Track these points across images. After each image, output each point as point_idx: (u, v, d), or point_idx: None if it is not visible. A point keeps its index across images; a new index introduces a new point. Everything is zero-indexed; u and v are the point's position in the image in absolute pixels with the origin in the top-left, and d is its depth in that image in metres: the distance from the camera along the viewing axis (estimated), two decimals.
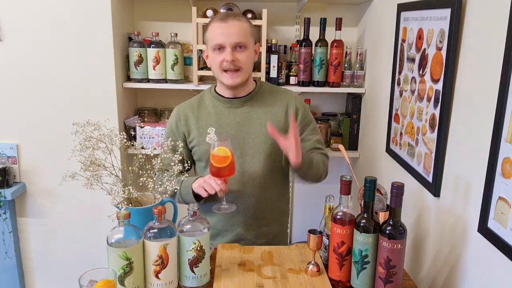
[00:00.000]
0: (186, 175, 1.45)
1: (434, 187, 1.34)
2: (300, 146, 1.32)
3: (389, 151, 1.79)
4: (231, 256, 1.37)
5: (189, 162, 1.45)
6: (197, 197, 1.44)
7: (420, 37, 1.47)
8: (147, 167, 1.27)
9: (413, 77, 1.52)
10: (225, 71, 1.43)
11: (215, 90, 1.56)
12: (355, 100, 2.32)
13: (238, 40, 1.40)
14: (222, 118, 1.51)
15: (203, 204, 1.49)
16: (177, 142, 1.37)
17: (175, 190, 1.38)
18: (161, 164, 1.32)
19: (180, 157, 1.37)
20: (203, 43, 1.71)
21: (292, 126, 1.29)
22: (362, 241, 1.14)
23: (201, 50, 2.30)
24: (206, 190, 1.37)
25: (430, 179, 1.37)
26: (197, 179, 1.44)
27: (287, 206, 1.68)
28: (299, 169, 1.39)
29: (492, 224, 1.04)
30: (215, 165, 1.32)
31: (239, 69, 1.43)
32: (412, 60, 1.53)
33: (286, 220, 1.68)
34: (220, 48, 1.41)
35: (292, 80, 2.29)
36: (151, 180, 1.27)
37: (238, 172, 1.47)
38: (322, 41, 2.21)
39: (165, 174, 1.36)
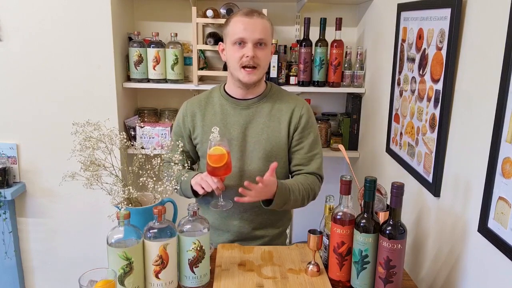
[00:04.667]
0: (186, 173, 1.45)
1: (434, 187, 1.34)
2: (262, 192, 1.31)
3: (389, 151, 1.78)
4: (231, 256, 1.37)
5: (189, 162, 1.45)
6: (195, 192, 1.45)
7: (420, 37, 1.47)
8: (147, 167, 1.27)
9: (413, 77, 1.51)
10: (243, 67, 1.41)
11: (224, 89, 1.55)
12: (355, 100, 2.32)
13: (260, 37, 1.39)
14: (227, 118, 1.51)
15: (202, 198, 1.52)
16: (177, 142, 1.37)
17: (183, 178, 1.43)
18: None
19: (181, 157, 1.37)
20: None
21: (269, 172, 1.30)
22: (362, 241, 1.14)
23: (201, 50, 2.30)
24: (203, 188, 1.38)
25: (430, 179, 1.37)
26: (195, 175, 1.44)
27: (286, 212, 1.66)
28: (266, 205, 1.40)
29: (492, 224, 1.04)
30: (212, 165, 1.32)
31: (257, 66, 1.41)
32: (412, 60, 1.53)
33: (285, 225, 1.67)
34: (241, 43, 1.39)
35: (292, 80, 2.28)
36: (151, 180, 1.27)
37: (237, 174, 1.48)
38: (322, 41, 2.21)
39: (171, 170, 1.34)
